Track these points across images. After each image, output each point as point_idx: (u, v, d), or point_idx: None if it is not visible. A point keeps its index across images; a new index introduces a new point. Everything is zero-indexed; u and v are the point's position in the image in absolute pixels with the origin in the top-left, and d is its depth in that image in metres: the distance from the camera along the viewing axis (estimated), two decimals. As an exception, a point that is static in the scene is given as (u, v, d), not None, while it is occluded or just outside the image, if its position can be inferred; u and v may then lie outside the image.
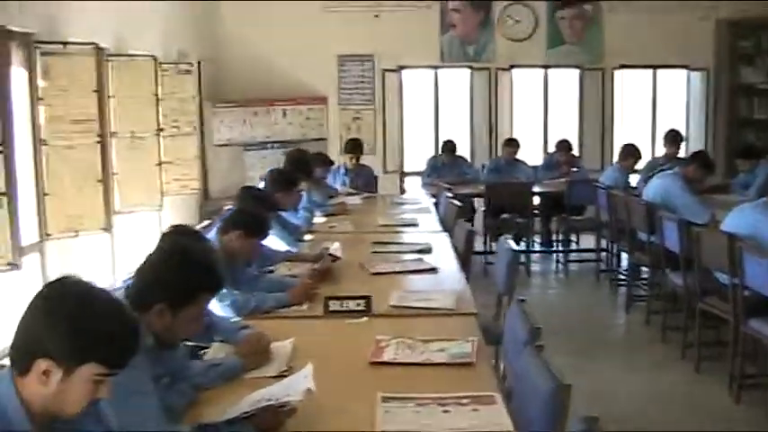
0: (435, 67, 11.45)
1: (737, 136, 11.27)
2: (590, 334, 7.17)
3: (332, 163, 8.83)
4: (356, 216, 7.64)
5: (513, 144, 10.21)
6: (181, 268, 2.68)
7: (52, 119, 5.97)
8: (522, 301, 3.78)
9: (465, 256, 5.73)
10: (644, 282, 7.96)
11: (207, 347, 3.61)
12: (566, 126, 11.42)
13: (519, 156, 10.26)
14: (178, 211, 8.88)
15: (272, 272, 5.24)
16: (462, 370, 3.32)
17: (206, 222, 6.61)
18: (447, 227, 6.84)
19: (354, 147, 9.48)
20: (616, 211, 8.02)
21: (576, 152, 10.75)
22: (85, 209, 6.23)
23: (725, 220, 5.78)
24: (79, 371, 1.96)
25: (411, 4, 11.06)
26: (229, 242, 4.35)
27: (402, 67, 11.37)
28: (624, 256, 8.43)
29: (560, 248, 10.04)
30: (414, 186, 10.85)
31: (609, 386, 5.87)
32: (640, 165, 9.27)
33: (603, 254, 9.08)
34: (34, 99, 5.90)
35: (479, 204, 9.85)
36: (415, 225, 7.09)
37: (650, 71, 11.52)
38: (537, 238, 10.26)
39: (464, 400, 2.93)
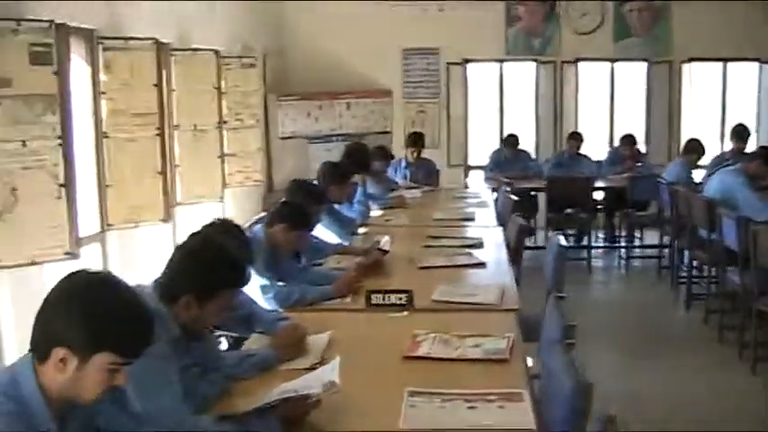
0: (500, 61, 11.40)
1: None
2: (647, 332, 7.08)
3: (392, 156, 8.85)
4: (413, 210, 7.67)
5: (576, 138, 10.10)
6: (206, 263, 2.75)
7: (114, 112, 6.10)
8: (561, 297, 3.77)
9: (515, 251, 5.71)
10: (706, 279, 7.82)
11: (246, 338, 3.68)
12: (632, 120, 11.25)
13: (583, 150, 10.14)
14: (241, 202, 9.00)
15: (321, 264, 5.31)
16: (495, 366, 3.32)
17: (262, 214, 6.69)
18: (503, 221, 6.81)
19: (416, 140, 9.49)
20: (677, 207, 7.89)
21: (642, 147, 10.60)
22: (145, 200, 6.35)
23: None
24: (94, 359, 2.03)
25: (476, -5, 11.01)
26: (274, 234, 4.43)
27: (467, 61, 11.34)
28: (687, 252, 8.29)
29: (622, 244, 9.90)
30: (477, 180, 10.81)
31: (661, 386, 5.80)
32: (706, 160, 9.10)
33: (666, 250, 8.94)
34: (97, 93, 6.04)
35: (542, 199, 9.79)
36: (471, 219, 7.07)
37: (720, 64, 11.28)
38: (601, 234, 10.14)
39: (491, 397, 2.93)
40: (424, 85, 11.47)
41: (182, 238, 4.76)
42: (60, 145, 5.04)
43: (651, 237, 9.65)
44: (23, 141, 4.87)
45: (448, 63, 11.34)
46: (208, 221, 3.79)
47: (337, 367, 2.83)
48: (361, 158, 7.14)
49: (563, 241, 5.22)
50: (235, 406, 2.83)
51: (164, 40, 7.09)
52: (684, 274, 8.19)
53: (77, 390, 2.06)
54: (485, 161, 10.66)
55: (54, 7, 5.15)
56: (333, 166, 6.30)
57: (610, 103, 11.48)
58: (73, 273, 2.12)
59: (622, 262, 9.64)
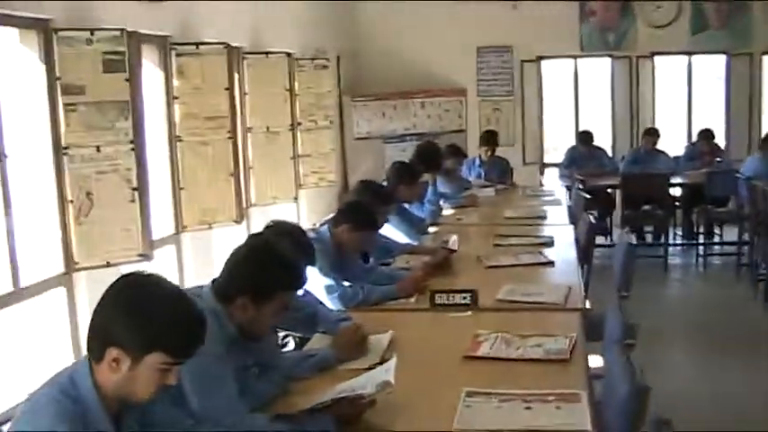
0: (574, 57, 11.27)
1: None
2: (722, 331, 6.93)
3: (464, 155, 8.82)
4: (485, 208, 7.65)
5: (652, 134, 9.95)
6: (260, 265, 2.80)
7: (186, 116, 6.23)
8: (625, 297, 3.71)
9: (586, 250, 5.65)
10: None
11: (309, 338, 3.72)
12: (710, 115, 11.01)
13: (660, 146, 9.98)
14: (315, 203, 9.09)
15: (389, 264, 5.33)
16: (555, 366, 3.30)
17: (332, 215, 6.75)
18: (575, 219, 6.75)
19: (489, 139, 9.45)
20: (756, 203, 7.71)
21: (720, 142, 10.37)
22: (218, 202, 6.46)
23: None
24: (146, 359, 2.09)
25: (550, -8, 10.90)
26: (339, 234, 4.47)
27: (541, 58, 11.26)
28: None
29: (700, 241, 9.71)
30: (552, 178, 10.72)
31: (734, 385, 5.67)
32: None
33: (745, 247, 8.73)
34: (170, 98, 6.18)
35: (619, 196, 9.65)
36: (542, 217, 7.03)
37: (803, 55, 10.95)
38: (678, 231, 9.96)
39: (549, 398, 2.92)
40: (498, 82, 11.42)
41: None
42: (133, 150, 5.16)
43: (730, 233, 9.44)
44: (98, 147, 5.01)
45: (522, 60, 11.27)
46: (268, 223, 3.84)
47: (393, 367, 2.84)
48: (431, 158, 7.14)
49: (633, 239, 5.14)
50: (292, 405, 2.86)
51: (236, 44, 7.22)
52: (764, 272, 7.99)
53: (131, 389, 2.12)
54: (560, 159, 10.58)
55: (127, 16, 5.29)
56: (402, 166, 6.32)
57: (687, 98, 11.26)
58: (125, 275, 2.19)
59: (700, 259, 9.44)
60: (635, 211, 9.38)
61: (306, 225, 5.87)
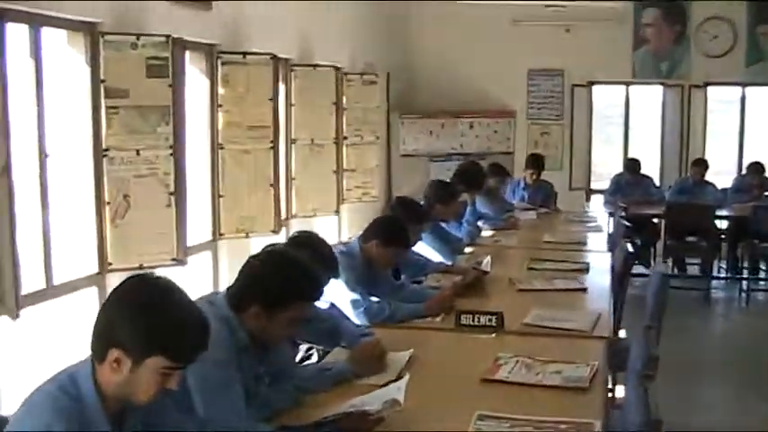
0: (627, 84, 11.18)
1: None
2: (762, 368, 6.77)
3: (507, 173, 8.75)
4: (524, 231, 7.59)
5: (701, 164, 9.82)
6: (275, 274, 2.78)
7: (229, 124, 6.28)
8: (650, 328, 3.65)
9: (621, 278, 5.58)
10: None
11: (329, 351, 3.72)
12: (762, 148, 10.82)
13: (709, 177, 9.84)
14: (357, 218, 9.09)
15: (421, 282, 5.31)
16: (573, 394, 3.25)
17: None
18: (613, 246, 6.67)
19: (535, 162, 9.38)
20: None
21: (771, 175, 10.18)
22: (257, 211, 6.49)
23: None
24: (147, 362, 2.10)
25: (603, 17, 10.79)
26: (368, 249, 4.46)
27: (592, 83, 11.18)
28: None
29: (744, 275, 9.53)
30: (598, 204, 10.62)
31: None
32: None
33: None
34: (214, 106, 6.24)
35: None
36: (581, 243, 6.96)
37: None
38: (723, 264, 9.80)
39: (562, 426, 2.88)
40: (548, 106, 11.36)
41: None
42: (172, 155, 5.22)
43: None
44: (137, 150, 5.07)
45: (573, 85, 11.19)
46: (293, 234, 3.85)
47: (404, 386, 2.82)
48: (472, 177, 7.11)
49: (668, 270, 5.06)
50: (301, 417, 2.85)
51: (284, 56, 7.27)
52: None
53: (131, 390, 2.13)
54: (607, 185, 10.48)
55: (175, 22, 5.36)
56: (440, 184, 6.31)
57: (739, 130, 11.08)
58: (131, 277, 2.20)
59: (743, 294, 9.26)
60: (679, 242, 9.25)
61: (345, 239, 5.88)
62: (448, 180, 6.89)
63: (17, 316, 4.05)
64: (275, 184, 6.60)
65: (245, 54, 6.34)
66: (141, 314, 2.10)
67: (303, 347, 4.07)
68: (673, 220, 9.10)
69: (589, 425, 2.88)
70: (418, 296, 4.64)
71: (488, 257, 5.61)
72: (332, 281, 4.09)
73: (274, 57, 6.55)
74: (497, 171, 8.45)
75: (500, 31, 10.90)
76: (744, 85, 10.91)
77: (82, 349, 4.58)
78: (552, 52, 11.03)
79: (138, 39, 5.02)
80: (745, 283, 9.40)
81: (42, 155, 4.53)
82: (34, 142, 4.49)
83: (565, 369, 3.47)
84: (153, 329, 2.09)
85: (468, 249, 6.53)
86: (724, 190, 9.93)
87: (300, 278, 2.82)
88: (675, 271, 9.62)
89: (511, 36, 10.92)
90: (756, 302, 9.11)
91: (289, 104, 7.57)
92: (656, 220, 9.59)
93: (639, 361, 3.29)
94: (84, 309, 4.80)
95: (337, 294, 4.25)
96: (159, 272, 5.30)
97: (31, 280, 4.44)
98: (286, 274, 2.79)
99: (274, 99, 6.54)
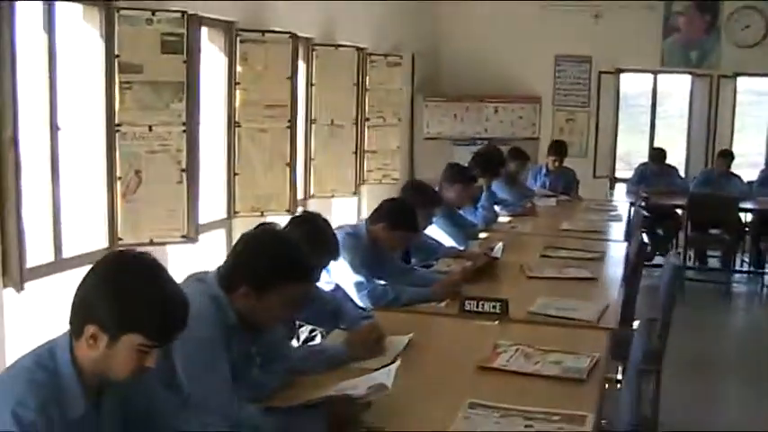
0: (655, 72, 11.02)
1: None
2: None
3: (527, 158, 8.65)
4: (542, 219, 7.52)
5: (726, 156, 9.66)
6: (264, 255, 2.74)
7: (247, 103, 6.28)
8: (653, 320, 3.60)
9: (634, 268, 5.51)
10: None
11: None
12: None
13: (735, 169, 9.70)
14: (377, 199, 9.03)
15: (431, 266, 5.28)
16: (570, 385, 3.19)
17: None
18: (630, 236, 6.59)
19: (558, 149, 9.28)
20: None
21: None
22: (272, 190, 6.49)
23: None
24: (123, 339, 2.08)
25: (633, 4, 10.63)
26: (375, 232, 4.43)
27: (620, 70, 11.03)
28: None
29: (766, 270, 9.40)
30: (621, 193, 10.51)
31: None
32: None
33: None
34: (232, 83, 6.23)
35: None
36: (599, 232, 6.88)
37: None
38: (746, 258, 9.68)
39: (554, 417, 2.83)
40: (574, 92, 11.22)
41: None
42: (185, 131, 5.21)
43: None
44: (150, 126, 5.08)
45: (600, 72, 11.04)
46: (294, 215, 3.82)
47: (394, 371, 2.80)
48: (488, 162, 7.04)
49: (679, 262, 4.99)
50: (288, 398, 2.83)
51: (306, 35, 7.24)
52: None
53: (107, 367, 2.11)
54: (631, 174, 10.37)
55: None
56: (455, 168, 6.24)
57: (769, 122, 10.91)
58: (113, 252, 2.20)
59: (765, 289, 9.15)
60: (701, 234, 9.14)
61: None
62: (460, 163, 6.80)
63: (22, 288, 4.06)
64: (291, 164, 6.58)
65: (263, 32, 6.31)
66: (118, 290, 2.08)
67: (306, 329, 4.07)
68: (695, 211, 8.97)
69: (581, 417, 2.83)
70: (425, 280, 4.60)
71: (500, 244, 5.55)
72: (338, 263, 4.08)
73: (294, 35, 6.52)
74: (517, 155, 8.38)
75: (528, 16, 10.76)
76: (775, 75, 10.71)
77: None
78: (580, 38, 10.86)
79: (153, 14, 5.02)
80: (767, 277, 9.28)
81: (54, 128, 4.53)
82: (46, 115, 4.50)
83: (565, 359, 3.42)
84: (128, 306, 2.07)
85: (482, 235, 6.48)
86: (750, 183, 9.77)
87: (289, 259, 2.76)
88: (697, 263, 9.52)
89: (539, 21, 10.78)
90: (777, 297, 9.01)
91: (309, 84, 7.55)
92: (679, 211, 9.47)
93: (639, 354, 3.25)
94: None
95: (342, 276, 4.23)
96: (170, 248, 5.37)
97: (40, 253, 4.46)
98: (275, 255, 2.75)
99: (293, 78, 6.51)
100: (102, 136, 4.93)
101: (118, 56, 4.90)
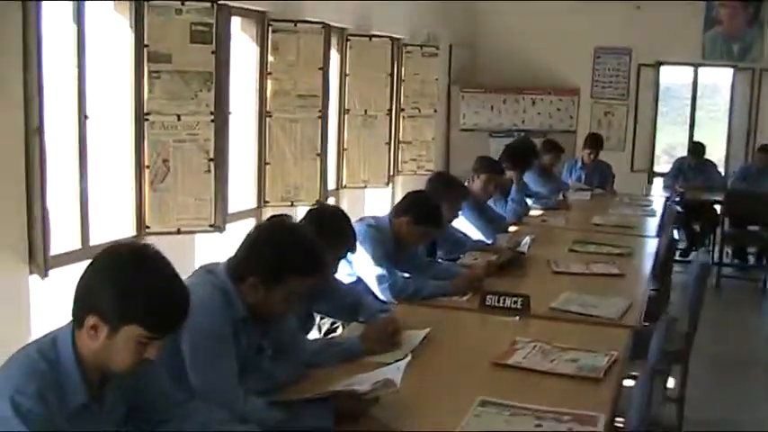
0: (695, 65, 10.85)
1: None
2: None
3: (561, 150, 8.54)
4: (575, 212, 7.45)
5: (766, 151, 9.50)
6: (273, 246, 2.74)
7: (278, 92, 6.29)
8: (674, 319, 3.55)
9: (663, 265, 5.44)
10: None
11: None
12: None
13: (776, 165, 9.54)
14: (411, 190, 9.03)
15: (457, 258, 5.25)
16: (585, 384, 3.16)
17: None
18: (661, 232, 6.51)
19: (594, 142, 9.19)
20: None
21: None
22: (303, 180, 6.50)
23: None
24: (123, 330, 2.09)
25: (675, -4, 10.49)
26: (398, 225, 4.40)
27: (660, 63, 10.88)
28: None
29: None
30: (659, 188, 10.38)
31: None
32: None
33: None
34: (263, 73, 6.25)
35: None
36: (630, 227, 6.79)
37: None
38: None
39: (565, 417, 2.80)
40: (613, 85, 11.11)
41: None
42: (213, 121, 5.23)
43: None
44: (178, 116, 5.09)
45: (640, 64, 10.91)
46: (313, 205, 3.81)
47: (403, 367, 2.78)
48: (518, 155, 6.96)
49: (709, 259, 4.92)
50: (300, 392, 2.82)
51: (340, 25, 7.23)
52: None
53: (108, 358, 2.12)
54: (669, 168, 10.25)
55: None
56: (484, 160, 6.19)
57: (813, 116, 10.70)
58: (116, 243, 2.20)
59: (802, 288, 9.01)
60: (739, 230, 9.00)
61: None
62: (487, 156, 6.74)
63: (46, 275, 4.11)
64: (322, 154, 6.58)
65: (296, 22, 6.31)
66: (118, 281, 2.09)
67: (328, 321, 4.07)
68: (733, 207, 8.84)
69: (593, 417, 2.80)
70: (448, 273, 4.57)
71: (528, 238, 5.51)
72: (360, 255, 4.07)
73: (326, 26, 6.51)
74: (551, 148, 8.31)
75: (567, 7, 10.63)
76: (819, 70, 10.50)
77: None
78: (620, 30, 10.75)
79: (182, 4, 5.02)
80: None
81: (82, 116, 4.57)
82: (74, 105, 4.54)
83: (582, 357, 3.38)
84: (129, 297, 2.08)
85: (512, 228, 6.43)
86: (791, 179, 9.61)
87: (299, 252, 2.75)
88: (735, 260, 9.39)
89: (578, 12, 10.64)
90: (814, 296, 8.84)
91: (343, 74, 7.55)
92: (716, 207, 9.33)
93: (655, 353, 3.21)
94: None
95: (363, 268, 4.22)
96: (198, 237, 5.41)
97: (68, 240, 4.51)
98: (284, 247, 2.74)
99: (325, 68, 6.51)
100: (131, 125, 4.96)
101: (147, 45, 4.92)
